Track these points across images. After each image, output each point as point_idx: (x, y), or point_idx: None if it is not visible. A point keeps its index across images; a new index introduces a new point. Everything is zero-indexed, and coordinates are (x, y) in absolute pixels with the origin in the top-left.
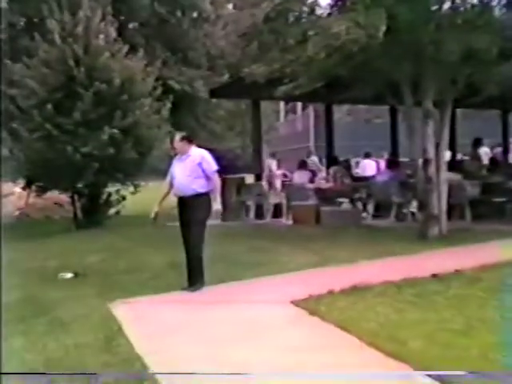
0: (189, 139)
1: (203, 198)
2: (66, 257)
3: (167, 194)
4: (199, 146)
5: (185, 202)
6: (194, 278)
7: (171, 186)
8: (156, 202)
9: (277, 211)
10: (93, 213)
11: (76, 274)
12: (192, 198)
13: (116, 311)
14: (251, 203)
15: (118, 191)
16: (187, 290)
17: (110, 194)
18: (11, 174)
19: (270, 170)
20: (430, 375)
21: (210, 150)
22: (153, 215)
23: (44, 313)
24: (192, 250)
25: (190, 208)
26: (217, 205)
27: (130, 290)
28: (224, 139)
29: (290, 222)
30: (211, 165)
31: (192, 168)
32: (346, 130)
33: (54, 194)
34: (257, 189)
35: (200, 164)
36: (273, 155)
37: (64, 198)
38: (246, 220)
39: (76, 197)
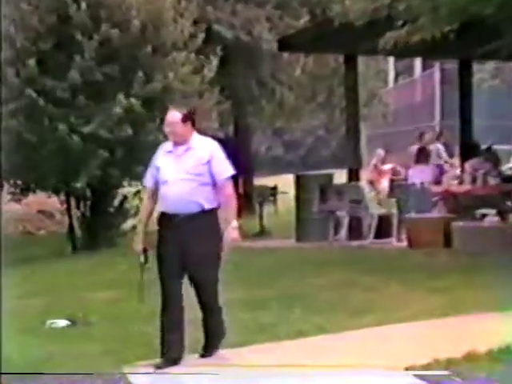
0: (193, 120)
1: (211, 219)
2: (58, 295)
3: (150, 213)
4: (201, 133)
5: (179, 226)
6: (215, 339)
7: (154, 196)
8: (137, 233)
9: (383, 227)
10: (99, 226)
11: (73, 322)
12: (193, 218)
13: (135, 379)
14: (343, 215)
15: (137, 193)
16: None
17: (125, 198)
18: None
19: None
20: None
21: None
22: (142, 258)
23: (27, 381)
24: (208, 304)
25: (191, 236)
26: (232, 231)
27: (154, 347)
28: (300, 115)
29: (404, 244)
30: (225, 166)
31: (196, 168)
32: (491, 102)
33: (38, 197)
34: (352, 192)
35: (209, 163)
36: (439, 137)
37: (54, 203)
38: (335, 240)
39: (73, 202)
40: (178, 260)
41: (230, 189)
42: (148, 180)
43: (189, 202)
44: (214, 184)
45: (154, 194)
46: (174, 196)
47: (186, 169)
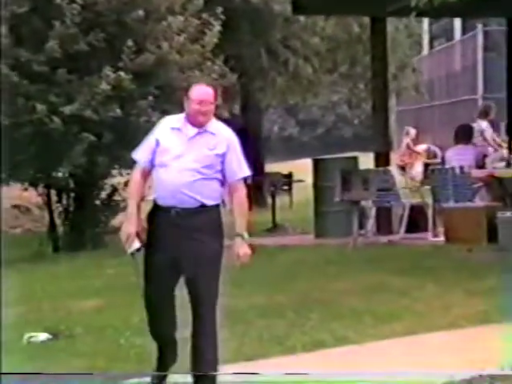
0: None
1: (215, 217)
2: (37, 304)
3: (142, 194)
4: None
5: (175, 222)
6: (206, 368)
7: (146, 177)
8: (130, 213)
9: (417, 219)
10: (84, 223)
11: (54, 335)
12: (195, 214)
13: None
14: (370, 205)
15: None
16: None
17: (114, 189)
18: None
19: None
20: None
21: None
22: (131, 249)
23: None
24: (203, 324)
25: (190, 235)
26: (243, 246)
27: (146, 362)
28: (318, 89)
29: (441, 238)
30: (242, 164)
31: (208, 158)
32: None
33: (11, 190)
34: (380, 179)
35: (224, 156)
36: (485, 113)
37: (31, 196)
38: (360, 235)
39: (54, 195)
40: (173, 263)
41: (243, 191)
42: (142, 155)
43: (186, 195)
44: (222, 181)
45: (145, 173)
46: (172, 185)
47: (197, 156)
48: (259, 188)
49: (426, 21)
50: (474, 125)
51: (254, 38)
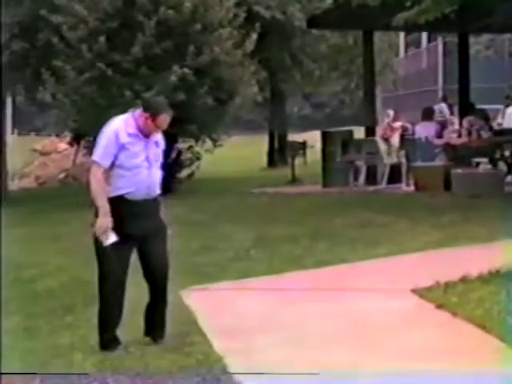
0: None
1: (159, 202)
2: None
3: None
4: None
5: (146, 209)
6: (163, 324)
7: (105, 175)
8: (106, 213)
9: (394, 174)
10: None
11: None
12: (155, 202)
13: (189, 300)
14: (361, 164)
15: (190, 148)
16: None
17: (180, 152)
18: (54, 125)
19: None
20: None
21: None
22: (109, 241)
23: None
24: (164, 281)
25: (155, 217)
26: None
27: (206, 274)
28: (325, 82)
29: (411, 188)
30: None
31: (159, 154)
32: (484, 68)
33: None
34: (369, 146)
35: (162, 150)
36: (444, 98)
37: None
38: (355, 186)
39: None
40: (138, 243)
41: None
42: (106, 159)
43: (156, 186)
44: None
45: (106, 173)
46: (150, 181)
47: (157, 154)
48: (283, 152)
49: (401, 33)
50: (436, 107)
51: (279, 45)
